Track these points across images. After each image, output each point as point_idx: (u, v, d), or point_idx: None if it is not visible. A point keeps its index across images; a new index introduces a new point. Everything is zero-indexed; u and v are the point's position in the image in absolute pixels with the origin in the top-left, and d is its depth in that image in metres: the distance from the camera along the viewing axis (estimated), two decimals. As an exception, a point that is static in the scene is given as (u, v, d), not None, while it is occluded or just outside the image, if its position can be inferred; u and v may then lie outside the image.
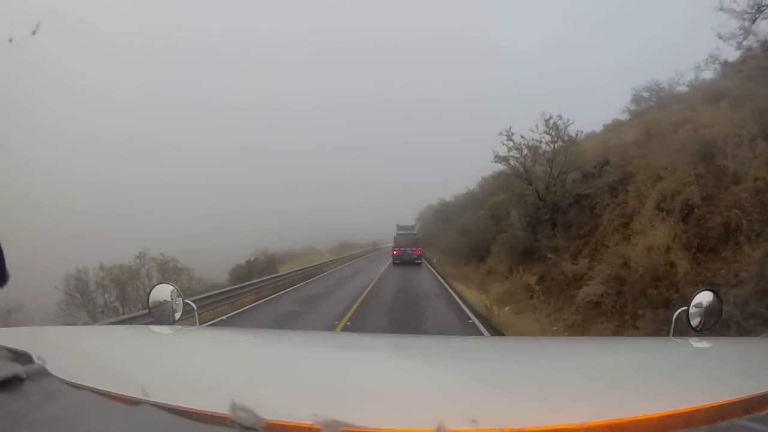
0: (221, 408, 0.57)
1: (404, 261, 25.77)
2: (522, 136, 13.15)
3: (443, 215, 30.91)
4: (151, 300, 1.58)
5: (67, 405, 0.60)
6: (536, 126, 12.78)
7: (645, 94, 17.60)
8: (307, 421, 0.57)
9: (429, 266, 25.73)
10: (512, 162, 13.33)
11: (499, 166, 14.32)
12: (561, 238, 11.00)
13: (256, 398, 0.57)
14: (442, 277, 19.41)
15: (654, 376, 1.02)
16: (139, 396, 0.64)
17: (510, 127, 13.24)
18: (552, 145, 12.54)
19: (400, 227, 29.90)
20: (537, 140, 12.86)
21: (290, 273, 18.16)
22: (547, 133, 12.65)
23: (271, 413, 0.57)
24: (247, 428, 0.55)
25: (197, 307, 1.72)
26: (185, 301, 1.63)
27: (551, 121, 12.66)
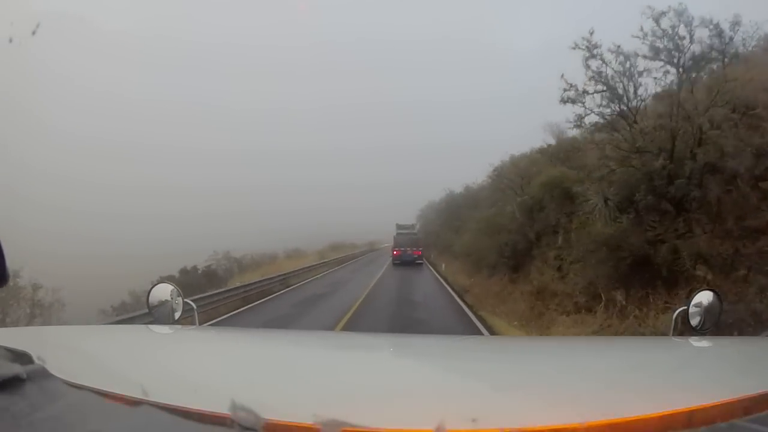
0: (221, 408, 0.57)
1: (404, 261, 24.84)
2: (616, 49, 6.96)
3: (451, 211, 26.01)
4: (150, 300, 1.58)
5: (67, 405, 0.60)
6: (641, 31, 6.74)
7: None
8: (307, 421, 0.57)
9: (436, 275, 20.05)
10: (600, 101, 7.11)
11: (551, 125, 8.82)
12: (706, 238, 5.96)
13: (256, 398, 0.57)
14: (460, 298, 13.06)
15: (654, 376, 1.02)
16: (139, 396, 0.64)
17: (591, 33, 7.22)
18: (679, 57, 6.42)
19: (399, 226, 28.94)
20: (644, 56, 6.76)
21: (232, 290, 12.00)
22: (661, 45, 6.43)
23: (271, 413, 0.57)
24: (247, 428, 0.55)
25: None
26: (185, 300, 1.63)
27: (668, 16, 6.54)
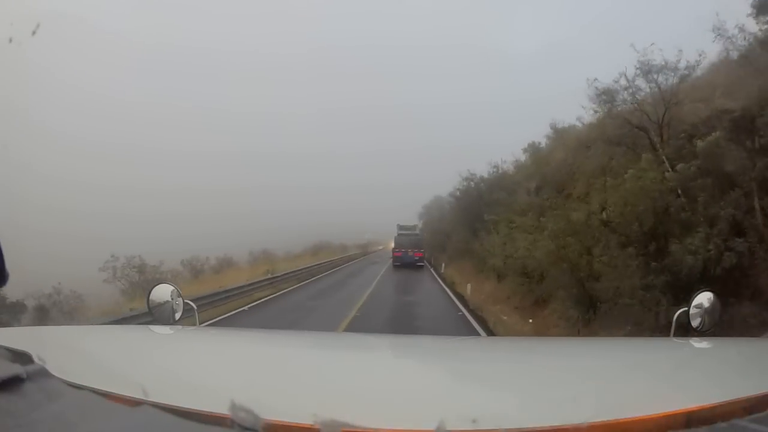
0: (221, 408, 0.57)
1: (405, 263, 23.65)
2: None
3: (471, 204, 18.02)
4: (151, 300, 1.58)
5: (67, 405, 0.60)
6: None
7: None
8: (306, 421, 0.57)
9: (463, 312, 10.39)
10: None
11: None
12: None
13: (256, 398, 0.57)
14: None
15: (654, 377, 1.02)
16: (139, 396, 0.64)
17: None
18: None
19: (401, 227, 27.60)
20: None
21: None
22: None
23: (271, 413, 0.57)
24: (247, 428, 0.55)
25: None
26: (185, 301, 1.63)
27: None
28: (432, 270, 22.21)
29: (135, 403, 0.62)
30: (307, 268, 19.33)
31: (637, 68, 7.74)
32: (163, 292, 1.59)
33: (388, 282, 16.60)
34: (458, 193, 21.34)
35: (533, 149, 16.60)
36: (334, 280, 17.87)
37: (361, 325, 8.94)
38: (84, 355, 1.04)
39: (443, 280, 17.17)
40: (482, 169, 19.47)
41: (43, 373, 0.64)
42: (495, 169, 18.46)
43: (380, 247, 45.71)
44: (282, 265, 18.95)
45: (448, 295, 13.34)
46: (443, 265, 20.37)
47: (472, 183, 19.42)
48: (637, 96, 7.87)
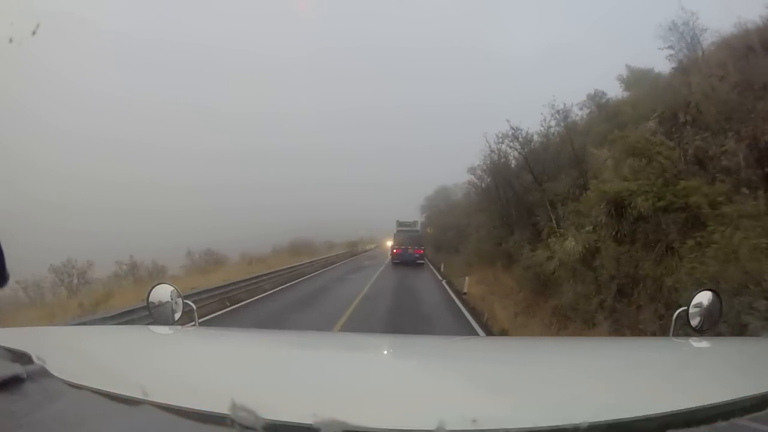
0: (221, 408, 0.57)
1: (405, 261, 23.11)
2: None
3: (504, 188, 12.02)
4: (150, 300, 1.58)
5: (67, 405, 0.60)
6: None
7: None
8: (307, 420, 0.57)
9: None
10: None
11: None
12: None
13: (256, 398, 0.57)
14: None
15: (654, 376, 1.02)
16: (139, 396, 0.64)
17: None
18: None
19: (400, 224, 27.02)
20: None
21: None
22: None
23: (271, 413, 0.57)
24: (247, 428, 0.55)
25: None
26: (185, 301, 1.63)
27: None
28: (445, 284, 14.38)
29: (135, 403, 0.62)
30: (231, 285, 10.80)
31: None
32: (162, 292, 1.59)
33: (368, 322, 8.56)
34: (486, 165, 12.84)
35: (597, 100, 11.30)
36: (270, 312, 9.69)
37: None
38: (84, 355, 1.04)
39: (474, 315, 9.24)
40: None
41: (43, 373, 0.65)
42: (562, 117, 10.32)
43: (373, 246, 42.23)
44: (221, 275, 12.63)
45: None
46: (466, 280, 12.32)
47: (513, 149, 11.48)
48: None
